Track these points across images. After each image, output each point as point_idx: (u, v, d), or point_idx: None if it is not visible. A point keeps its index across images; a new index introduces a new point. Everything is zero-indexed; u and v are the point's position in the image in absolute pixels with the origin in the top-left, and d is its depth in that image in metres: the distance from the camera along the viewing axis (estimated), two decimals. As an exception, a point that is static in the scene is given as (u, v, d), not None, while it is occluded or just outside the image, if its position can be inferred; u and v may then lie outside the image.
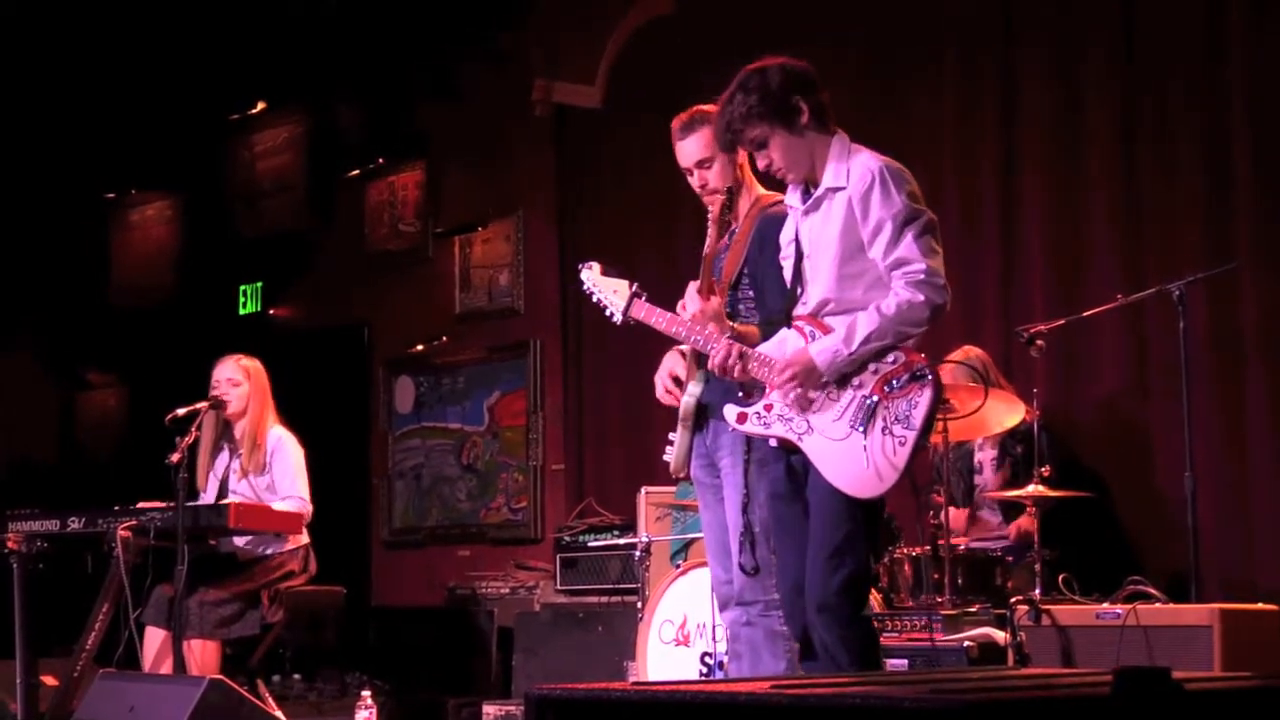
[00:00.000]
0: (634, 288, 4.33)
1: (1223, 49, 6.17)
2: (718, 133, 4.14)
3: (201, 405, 6.22)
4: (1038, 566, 5.43)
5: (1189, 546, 5.21)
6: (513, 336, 8.81)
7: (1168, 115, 6.33)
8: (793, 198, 4.16)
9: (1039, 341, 5.64)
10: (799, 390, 3.97)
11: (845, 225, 3.99)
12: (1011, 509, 6.10)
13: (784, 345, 4.12)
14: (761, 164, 4.18)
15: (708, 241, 4.42)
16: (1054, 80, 6.67)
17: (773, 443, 4.11)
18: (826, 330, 4.00)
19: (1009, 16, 6.83)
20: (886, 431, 3.91)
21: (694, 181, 4.54)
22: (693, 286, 4.47)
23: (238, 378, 6.36)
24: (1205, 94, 6.22)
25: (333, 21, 9.32)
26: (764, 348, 4.16)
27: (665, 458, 4.59)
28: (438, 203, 9.25)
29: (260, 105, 10.13)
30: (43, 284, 10.57)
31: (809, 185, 4.11)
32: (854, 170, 4.01)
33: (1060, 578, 5.34)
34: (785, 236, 4.22)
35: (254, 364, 6.45)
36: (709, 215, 4.48)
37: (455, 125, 9.12)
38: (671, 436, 4.53)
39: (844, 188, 4.01)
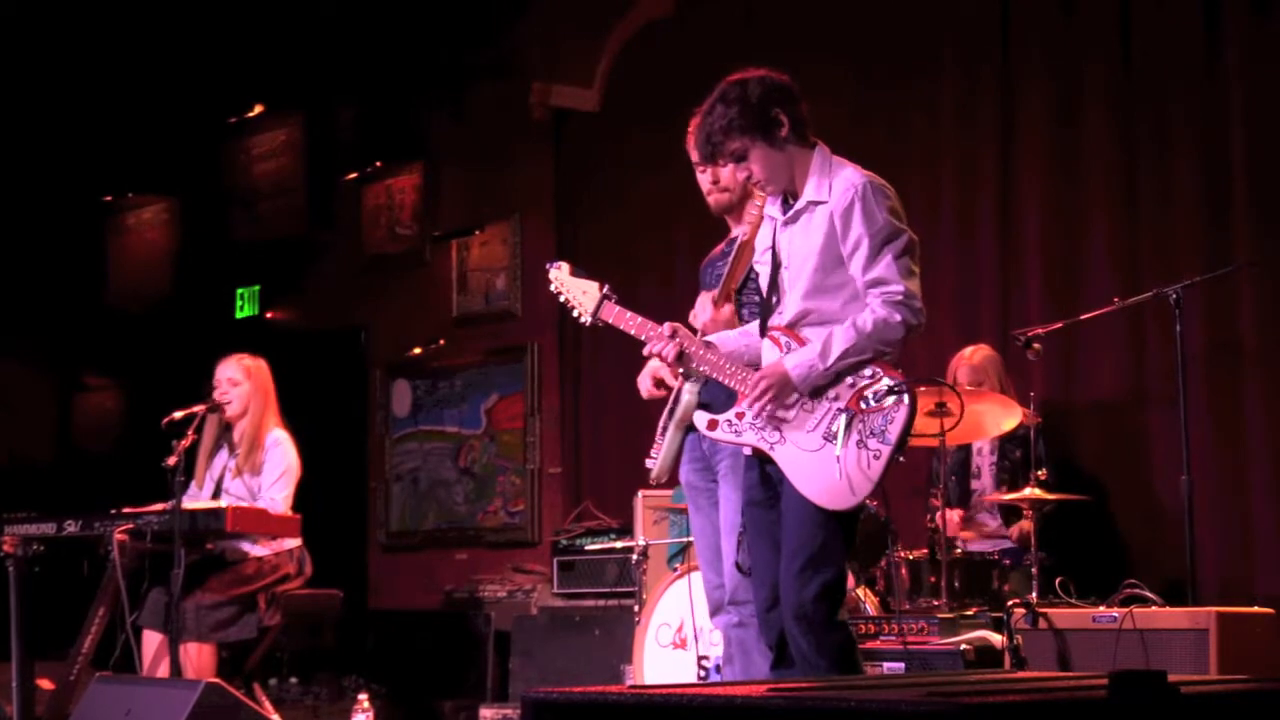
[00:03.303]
0: (604, 289, 4.29)
1: (1220, 56, 6.18)
2: (698, 144, 4.13)
3: (198, 408, 6.21)
4: (1034, 569, 5.44)
5: (1185, 550, 5.21)
6: (510, 339, 8.81)
7: (1165, 121, 6.34)
8: (772, 208, 4.16)
9: (1036, 345, 5.65)
10: (772, 403, 3.98)
11: (826, 239, 3.99)
12: (1010, 512, 6.11)
13: (745, 339, 4.16)
14: (740, 176, 4.19)
15: (748, 231, 4.42)
16: (1052, 87, 6.67)
17: (746, 450, 4.12)
18: (802, 341, 4.01)
19: (1007, 22, 6.84)
20: (861, 445, 3.91)
21: (704, 179, 4.53)
22: (704, 296, 4.48)
23: (238, 377, 6.36)
24: (1203, 100, 6.23)
25: (330, 24, 9.33)
26: (722, 340, 4.17)
27: (648, 463, 4.58)
28: (435, 206, 9.25)
29: (258, 108, 10.13)
30: (40, 286, 10.57)
31: (788, 196, 4.11)
32: (836, 185, 4.00)
33: (1057, 581, 5.34)
34: (761, 244, 4.22)
35: (257, 364, 6.44)
36: (737, 212, 4.47)
37: (453, 128, 9.11)
38: (658, 440, 4.52)
39: (825, 201, 4.00)
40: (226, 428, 6.41)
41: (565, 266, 4.37)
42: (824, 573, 3.93)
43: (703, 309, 4.48)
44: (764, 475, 4.10)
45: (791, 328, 4.05)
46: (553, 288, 4.38)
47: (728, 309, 4.38)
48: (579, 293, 4.32)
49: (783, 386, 3.96)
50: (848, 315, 3.96)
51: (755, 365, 4.09)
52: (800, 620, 3.92)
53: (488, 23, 8.79)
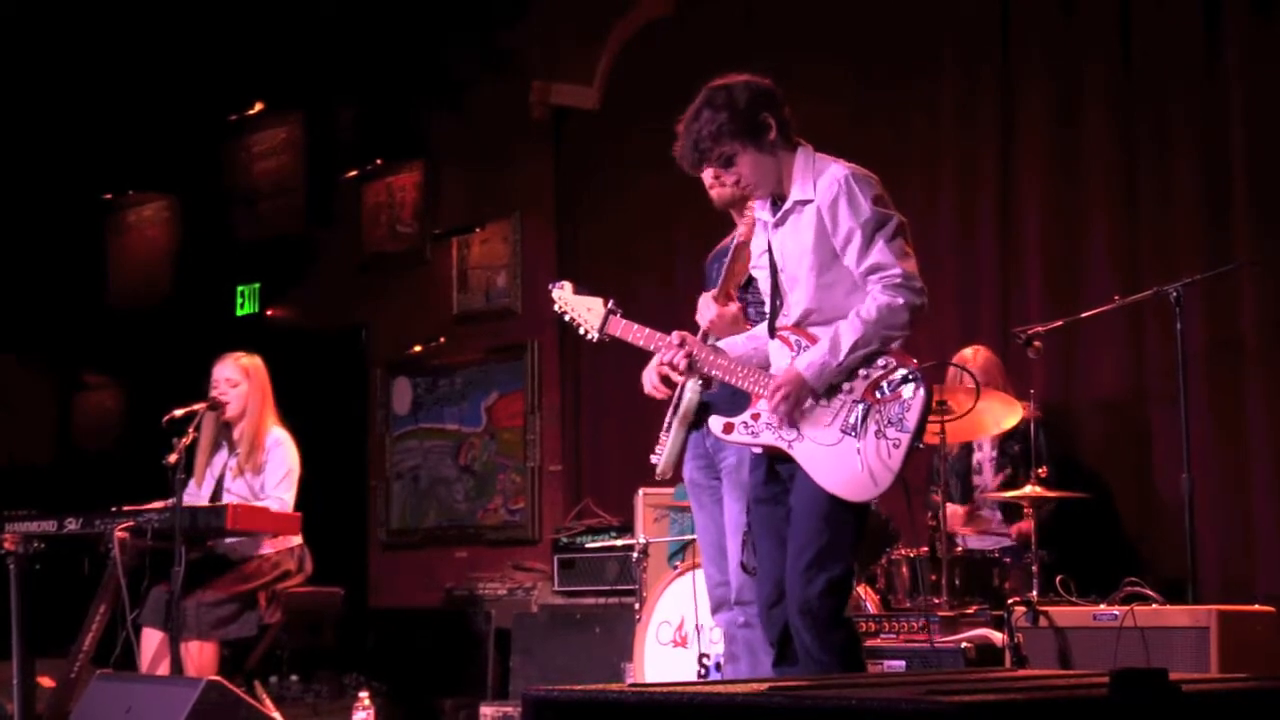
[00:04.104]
0: (609, 304, 4.31)
1: (1220, 56, 6.19)
2: (684, 151, 4.12)
3: (199, 406, 6.21)
4: (1035, 567, 5.44)
5: (1186, 548, 5.21)
6: (510, 337, 8.81)
7: (1165, 121, 6.34)
8: (762, 211, 4.17)
9: (1036, 343, 5.65)
10: (791, 407, 3.98)
11: (817, 236, 4.01)
12: (1012, 510, 6.11)
13: (752, 342, 4.16)
14: (729, 180, 4.18)
15: (744, 232, 4.42)
16: (1052, 87, 6.68)
17: (757, 449, 4.12)
18: (812, 339, 4.01)
19: (1007, 22, 6.84)
20: (880, 435, 3.92)
21: (707, 174, 4.53)
22: (706, 295, 4.48)
23: (236, 377, 6.35)
24: (1203, 100, 6.23)
25: (331, 22, 9.33)
26: (731, 345, 4.18)
27: (653, 459, 4.59)
28: (435, 204, 9.25)
29: (258, 106, 10.13)
30: (40, 285, 10.56)
31: (776, 198, 4.11)
32: (820, 181, 4.01)
33: (1057, 579, 5.35)
34: (756, 248, 4.23)
35: (254, 362, 6.43)
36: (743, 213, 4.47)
37: (453, 126, 9.12)
38: (663, 437, 4.53)
39: (811, 200, 4.02)
40: (225, 426, 6.40)
41: (568, 286, 4.40)
42: (830, 569, 3.94)
43: (706, 307, 4.48)
44: (771, 473, 4.10)
45: (799, 326, 4.05)
46: (557, 308, 4.40)
47: (733, 306, 4.38)
48: (584, 310, 4.34)
49: (799, 390, 3.97)
50: (851, 307, 3.97)
51: (764, 367, 4.10)
52: (805, 615, 3.93)
53: (488, 22, 8.79)
